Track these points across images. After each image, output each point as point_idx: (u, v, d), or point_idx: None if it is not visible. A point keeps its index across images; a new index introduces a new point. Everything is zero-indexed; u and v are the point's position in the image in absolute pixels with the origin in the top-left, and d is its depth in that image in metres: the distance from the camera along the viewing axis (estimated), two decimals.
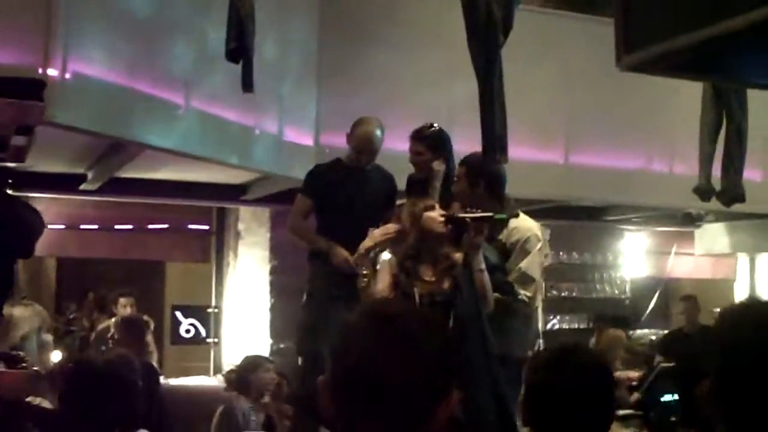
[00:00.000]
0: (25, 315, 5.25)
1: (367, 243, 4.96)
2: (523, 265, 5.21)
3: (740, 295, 11.49)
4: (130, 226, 10.17)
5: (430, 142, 5.47)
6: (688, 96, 8.21)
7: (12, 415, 2.07)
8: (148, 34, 5.56)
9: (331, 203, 5.69)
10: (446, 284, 4.54)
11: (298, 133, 6.97)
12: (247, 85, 4.68)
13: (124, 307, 8.34)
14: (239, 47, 4.69)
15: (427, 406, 1.67)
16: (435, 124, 5.56)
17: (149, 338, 7.46)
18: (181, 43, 5.76)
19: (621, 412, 6.60)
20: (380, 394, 1.65)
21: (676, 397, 5.79)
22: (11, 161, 2.97)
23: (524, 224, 5.39)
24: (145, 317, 7.61)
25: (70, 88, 4.82)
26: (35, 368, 2.21)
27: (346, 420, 1.70)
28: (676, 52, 3.49)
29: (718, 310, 7.42)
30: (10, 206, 2.51)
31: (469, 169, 5.30)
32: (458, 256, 4.59)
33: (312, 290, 5.76)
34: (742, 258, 11.49)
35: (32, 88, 3.25)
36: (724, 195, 5.95)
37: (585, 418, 2.59)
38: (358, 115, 5.85)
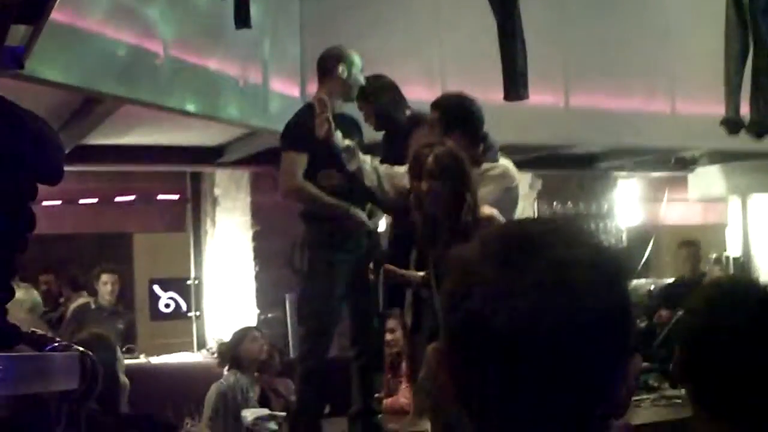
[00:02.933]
0: (19, 297, 4.61)
1: None
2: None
3: (733, 239, 11.19)
4: (95, 200, 9.67)
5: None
6: (686, 30, 7.91)
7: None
8: None
9: (326, 156, 5.00)
10: None
11: (283, 83, 6.40)
12: (242, 20, 4.12)
13: (106, 284, 7.81)
14: None
15: (603, 378, 1.09)
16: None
17: None
18: None
19: None
20: (525, 357, 1.06)
21: None
22: (5, 65, 2.22)
23: (502, 162, 4.94)
24: None
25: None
26: (79, 348, 1.59)
27: (478, 400, 1.11)
28: None
29: (714, 256, 7.02)
30: (27, 118, 1.88)
31: (444, 113, 4.75)
32: None
33: (316, 256, 5.16)
34: (734, 202, 11.14)
35: None
36: (755, 127, 5.55)
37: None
38: None
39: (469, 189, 4.20)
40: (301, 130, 5.06)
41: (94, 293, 7.97)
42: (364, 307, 5.24)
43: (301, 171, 5.06)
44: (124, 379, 2.80)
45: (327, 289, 5.07)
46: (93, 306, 7.85)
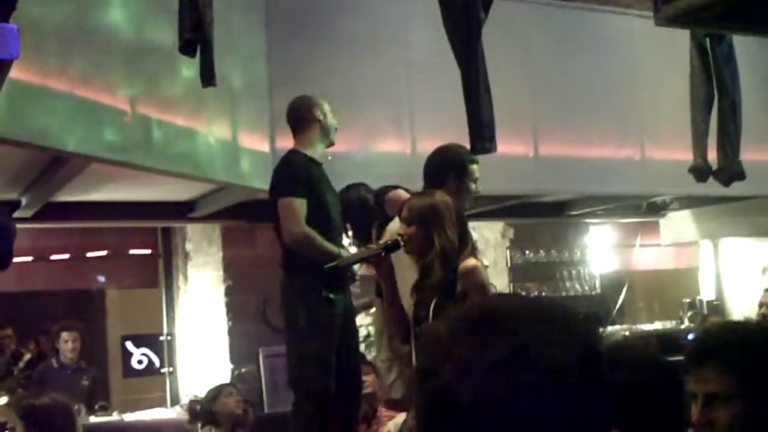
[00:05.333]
0: None
1: None
2: None
3: (705, 283, 11.23)
4: (66, 256, 9.58)
5: None
6: (654, 78, 7.98)
7: None
8: (81, 35, 4.95)
9: (323, 204, 5.08)
10: None
11: (252, 138, 6.39)
12: (208, 77, 4.12)
13: (66, 342, 7.67)
14: (195, 38, 4.13)
15: None
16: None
17: None
18: (119, 41, 5.15)
19: None
20: None
21: None
22: None
23: None
24: None
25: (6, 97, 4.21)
26: None
27: None
28: (711, 4, 3.07)
29: (687, 300, 7.03)
30: None
31: (458, 168, 4.74)
32: None
33: (313, 313, 5.01)
34: (706, 246, 11.20)
35: None
36: (722, 173, 5.59)
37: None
38: None
39: (443, 235, 4.13)
40: (299, 176, 5.07)
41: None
42: (346, 356, 5.15)
43: (305, 217, 5.02)
44: None
45: (329, 329, 5.00)
46: (55, 365, 7.73)
